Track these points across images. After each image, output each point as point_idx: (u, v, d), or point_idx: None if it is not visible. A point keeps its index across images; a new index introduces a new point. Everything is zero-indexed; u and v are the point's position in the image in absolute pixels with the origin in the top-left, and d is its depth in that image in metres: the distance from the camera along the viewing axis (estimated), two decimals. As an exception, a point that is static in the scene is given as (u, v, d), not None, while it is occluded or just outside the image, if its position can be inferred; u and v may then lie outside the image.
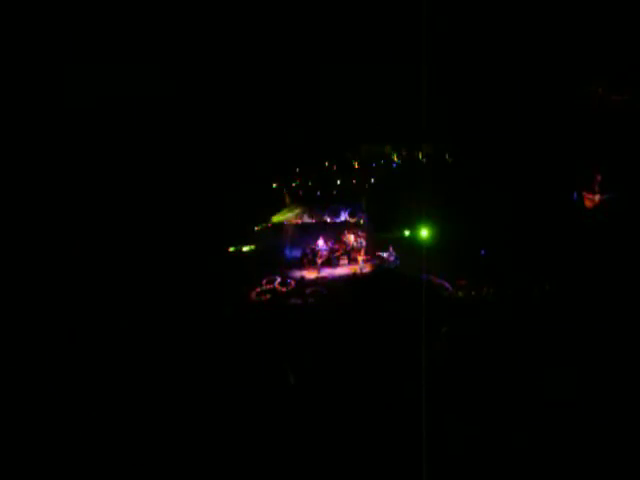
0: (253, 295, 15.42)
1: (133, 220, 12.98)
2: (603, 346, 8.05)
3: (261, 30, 12.72)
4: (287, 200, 19.78)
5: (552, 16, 11.22)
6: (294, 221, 20.12)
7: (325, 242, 18.39)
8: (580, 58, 11.93)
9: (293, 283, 16.39)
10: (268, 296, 15.34)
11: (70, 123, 11.57)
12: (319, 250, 18.09)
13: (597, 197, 13.26)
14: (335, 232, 19.17)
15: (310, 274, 17.42)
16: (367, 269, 17.72)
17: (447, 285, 15.18)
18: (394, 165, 19.68)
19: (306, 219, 20.30)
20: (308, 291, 15.60)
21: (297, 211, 20.12)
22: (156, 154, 13.66)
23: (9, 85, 10.41)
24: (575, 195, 13.53)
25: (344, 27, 12.68)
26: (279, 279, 16.56)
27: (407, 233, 17.97)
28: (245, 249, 18.24)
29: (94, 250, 11.79)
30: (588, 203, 13.63)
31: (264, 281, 16.28)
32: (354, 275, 16.94)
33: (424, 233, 16.93)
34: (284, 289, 16.04)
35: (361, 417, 6.98)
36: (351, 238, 18.60)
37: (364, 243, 18.21)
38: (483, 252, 15.69)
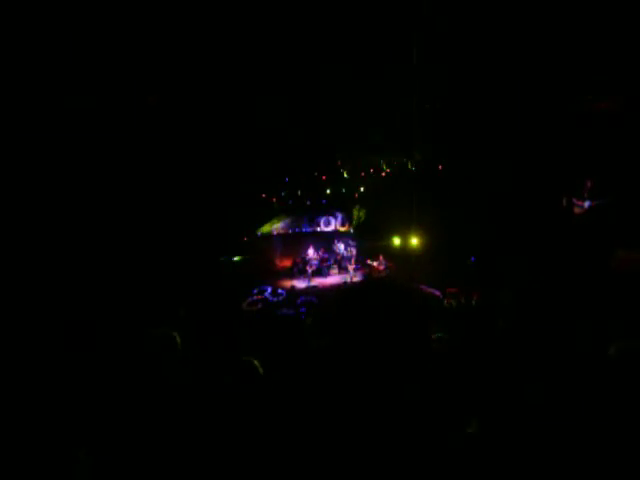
0: (244, 305, 15.26)
1: (115, 235, 12.75)
2: (598, 348, 8.12)
3: (254, 41, 12.76)
4: (275, 208, 19.77)
5: (546, 20, 11.38)
6: (283, 231, 20.10)
7: (315, 251, 18.34)
8: (573, 66, 12.09)
9: (284, 293, 16.28)
10: (259, 306, 15.19)
11: (63, 128, 11.38)
12: (309, 259, 18.03)
13: (586, 203, 13.43)
14: (325, 241, 19.19)
15: (301, 284, 17.36)
16: (357, 278, 17.73)
17: (437, 293, 15.21)
18: (383, 174, 19.80)
19: (295, 228, 20.29)
20: (299, 301, 15.50)
21: (286, 221, 20.12)
22: (143, 163, 13.54)
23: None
24: (564, 201, 13.69)
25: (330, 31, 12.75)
26: (270, 289, 16.46)
27: (397, 242, 18.03)
28: (235, 259, 18.14)
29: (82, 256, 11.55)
30: (577, 210, 13.79)
31: (255, 291, 16.15)
32: (344, 284, 16.90)
33: (414, 241, 17.02)
34: (275, 299, 15.92)
35: (356, 422, 6.92)
36: (341, 247, 18.58)
37: (354, 252, 18.19)
38: (473, 259, 15.76)
